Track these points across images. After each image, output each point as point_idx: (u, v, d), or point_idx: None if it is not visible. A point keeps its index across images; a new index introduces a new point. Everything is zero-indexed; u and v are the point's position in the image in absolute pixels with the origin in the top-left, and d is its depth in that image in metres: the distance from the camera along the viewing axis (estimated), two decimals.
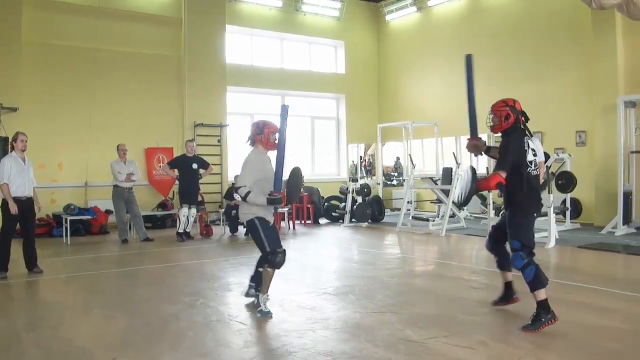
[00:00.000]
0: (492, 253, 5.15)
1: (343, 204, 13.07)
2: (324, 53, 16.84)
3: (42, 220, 11.14)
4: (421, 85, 15.85)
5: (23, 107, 11.45)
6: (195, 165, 10.46)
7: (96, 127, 12.45)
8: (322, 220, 13.59)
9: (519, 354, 3.84)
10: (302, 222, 13.05)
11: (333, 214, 13.52)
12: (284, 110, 5.36)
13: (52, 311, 5.34)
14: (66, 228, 10.50)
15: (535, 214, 4.66)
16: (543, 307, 4.39)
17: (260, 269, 5.17)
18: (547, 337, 4.22)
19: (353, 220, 12.74)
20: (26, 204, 7.10)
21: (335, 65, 16.97)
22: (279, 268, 5.02)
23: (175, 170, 10.50)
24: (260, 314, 4.94)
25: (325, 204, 13.80)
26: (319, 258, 8.63)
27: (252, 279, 5.45)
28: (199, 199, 11.31)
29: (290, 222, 12.36)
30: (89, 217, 11.27)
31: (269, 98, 15.90)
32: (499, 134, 4.92)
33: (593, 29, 11.29)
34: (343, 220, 12.85)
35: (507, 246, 4.76)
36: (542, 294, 4.42)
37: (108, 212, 11.63)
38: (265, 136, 5.25)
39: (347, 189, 12.87)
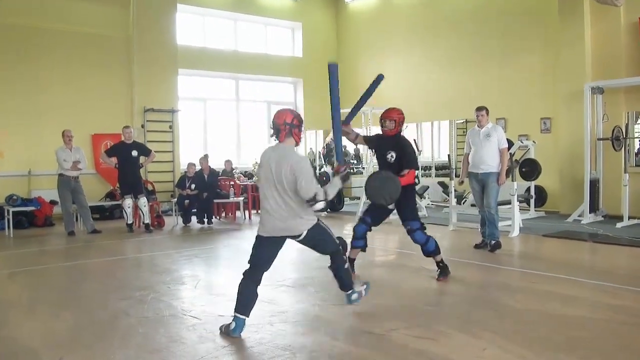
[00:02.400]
0: (361, 239, 6.11)
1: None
2: (281, 35, 16.73)
3: None
4: (381, 70, 15.75)
5: None
6: (135, 153, 10.25)
7: (39, 112, 12.10)
8: None
9: (482, 344, 3.92)
10: (259, 212, 12.97)
11: None
12: (333, 68, 5.26)
13: None
14: (8, 220, 10.20)
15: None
16: (444, 263, 5.99)
17: (338, 268, 4.84)
18: (512, 326, 4.31)
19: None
20: None
21: (293, 48, 16.88)
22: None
23: (114, 158, 10.27)
24: (361, 295, 4.82)
25: None
26: None
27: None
28: (150, 188, 11.15)
29: (246, 212, 12.29)
30: (32, 208, 11.00)
31: (222, 82, 15.73)
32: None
33: (560, 13, 11.44)
34: None
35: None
36: (439, 257, 5.94)
37: (53, 202, 11.33)
38: (299, 130, 4.60)
39: None
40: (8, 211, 10.28)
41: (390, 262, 7.30)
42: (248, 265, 4.47)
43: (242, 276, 4.41)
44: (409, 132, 14.47)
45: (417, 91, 14.67)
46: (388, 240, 9.32)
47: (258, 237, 4.51)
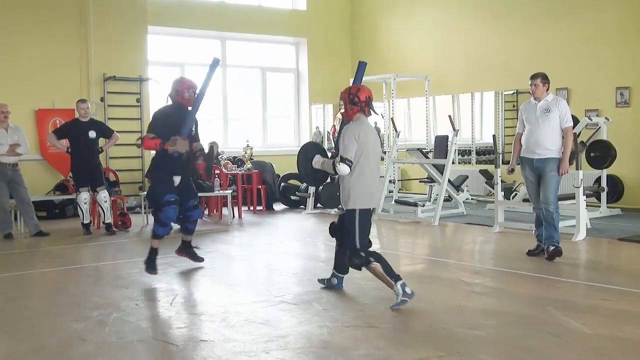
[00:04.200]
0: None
1: (304, 184, 13.05)
2: None
3: None
4: (407, 29, 15.86)
5: None
6: (92, 134, 10.20)
7: None
8: (278, 206, 13.59)
9: None
10: (251, 208, 12.99)
11: (292, 197, 13.54)
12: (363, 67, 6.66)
13: None
14: None
15: None
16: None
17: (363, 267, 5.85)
18: (578, 356, 4.28)
19: (318, 205, 12.77)
20: None
21: (294, 0, 16.83)
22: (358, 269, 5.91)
23: (66, 140, 10.24)
24: (406, 299, 5.49)
25: (282, 184, 13.78)
26: (273, 256, 8.61)
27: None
28: (113, 178, 11.14)
29: (235, 209, 12.29)
30: None
31: (205, 43, 15.71)
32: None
33: None
34: (305, 206, 12.85)
35: None
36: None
37: None
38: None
39: None
40: None
41: (420, 273, 7.28)
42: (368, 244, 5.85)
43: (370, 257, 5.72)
44: (442, 105, 14.44)
45: (453, 55, 14.58)
46: (416, 244, 9.28)
47: (368, 211, 5.93)
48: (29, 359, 4.45)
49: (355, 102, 5.88)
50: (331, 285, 6.28)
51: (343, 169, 5.80)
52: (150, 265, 6.98)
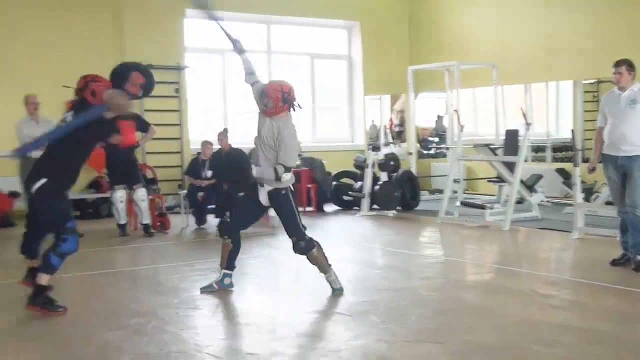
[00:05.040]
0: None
1: (359, 183, 13.05)
2: None
3: None
4: (472, 11, 15.69)
5: None
6: None
7: None
8: (329, 207, 13.60)
9: None
10: (300, 209, 12.97)
11: (345, 197, 13.53)
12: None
13: None
14: None
15: None
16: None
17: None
18: None
19: (374, 206, 12.75)
20: None
21: None
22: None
23: None
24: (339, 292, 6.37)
25: (334, 183, 13.79)
26: None
27: None
28: (150, 175, 11.27)
29: None
30: None
31: (249, 27, 15.77)
32: None
33: None
34: (359, 207, 12.85)
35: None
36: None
37: (14, 195, 11.62)
38: None
39: (365, 161, 12.85)
40: None
41: (488, 283, 7.24)
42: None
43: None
44: (512, 96, 14.27)
45: (524, 40, 14.37)
46: (483, 251, 9.21)
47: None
48: None
49: (287, 100, 6.52)
50: (224, 286, 6.62)
51: (288, 177, 6.38)
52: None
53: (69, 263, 8.60)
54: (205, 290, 6.60)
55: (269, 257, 8.82)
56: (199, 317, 5.91)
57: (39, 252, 6.26)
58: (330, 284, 6.47)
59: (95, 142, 6.40)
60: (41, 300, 5.82)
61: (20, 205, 11.22)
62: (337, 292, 6.44)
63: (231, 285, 6.65)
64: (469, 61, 14.47)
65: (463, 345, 4.90)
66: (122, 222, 10.42)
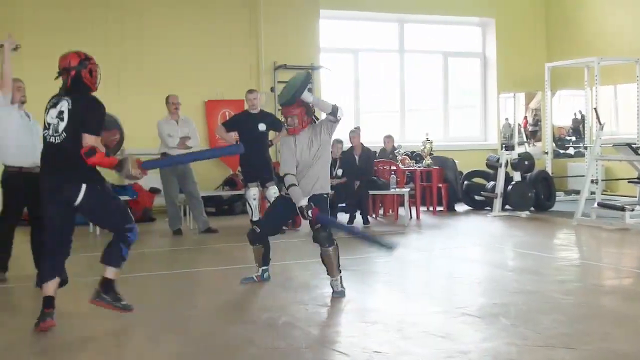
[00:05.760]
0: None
1: (492, 183, 12.85)
2: None
3: None
4: (613, 3, 15.13)
5: (26, 47, 12.02)
6: (262, 126, 10.46)
7: (136, 73, 12.93)
8: (460, 207, 13.46)
9: None
10: (430, 208, 12.96)
11: (476, 197, 13.38)
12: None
13: (74, 328, 5.60)
14: None
15: None
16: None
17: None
18: None
19: (507, 207, 12.52)
20: (34, 178, 6.57)
21: None
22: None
23: (235, 133, 10.61)
24: (340, 295, 6.37)
25: (465, 182, 13.65)
26: (454, 262, 8.54)
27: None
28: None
29: (413, 209, 12.30)
30: (127, 198, 11.65)
31: (381, 26, 15.82)
32: None
33: None
34: (491, 207, 12.65)
35: None
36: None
37: (154, 191, 12.09)
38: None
39: (499, 160, 12.63)
40: None
41: (626, 288, 6.99)
42: None
43: None
44: None
45: None
46: (623, 255, 8.88)
47: None
48: None
49: (310, 114, 6.60)
50: (263, 278, 7.02)
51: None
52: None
53: (203, 258, 8.92)
54: (246, 281, 6.99)
55: (398, 256, 8.77)
56: (328, 314, 5.97)
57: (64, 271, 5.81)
58: (333, 287, 6.51)
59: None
60: (111, 296, 5.53)
61: (160, 201, 11.69)
62: (337, 294, 6.45)
63: (269, 277, 7.06)
64: (610, 57, 13.94)
65: (597, 353, 4.72)
66: (255, 218, 10.61)
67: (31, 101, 7.46)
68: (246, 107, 10.78)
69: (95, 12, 12.87)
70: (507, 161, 12.52)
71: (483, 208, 13.15)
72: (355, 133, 11.79)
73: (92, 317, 5.85)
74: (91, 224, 10.92)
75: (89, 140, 5.25)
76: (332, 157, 11.53)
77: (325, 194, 6.78)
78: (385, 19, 15.65)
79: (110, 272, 5.49)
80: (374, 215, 12.34)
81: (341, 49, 15.30)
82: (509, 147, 12.93)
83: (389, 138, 13.19)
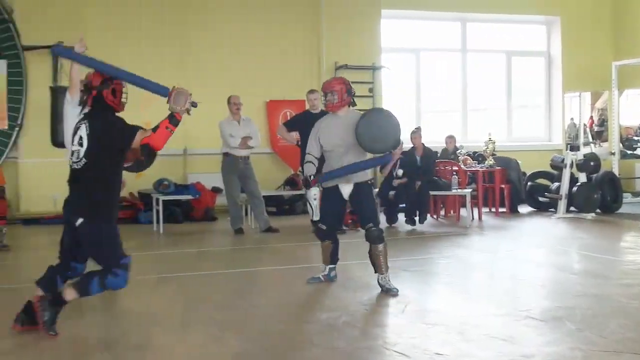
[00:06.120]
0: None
1: (556, 184, 12.67)
2: None
3: (124, 201, 11.87)
4: None
5: (91, 47, 12.25)
6: None
7: (198, 73, 13.05)
8: (523, 208, 13.30)
9: None
10: (492, 209, 12.82)
11: (540, 198, 13.23)
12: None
13: (137, 324, 5.70)
14: (158, 212, 11.13)
15: None
16: None
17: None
18: None
19: (572, 208, 12.33)
20: None
21: None
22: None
23: (296, 133, 10.64)
24: (392, 292, 6.42)
25: (528, 183, 13.50)
26: (517, 264, 8.43)
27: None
28: None
29: (475, 210, 12.19)
30: (189, 197, 11.84)
31: (443, 26, 15.74)
32: None
33: None
34: (555, 209, 12.47)
35: None
36: None
37: (216, 190, 12.21)
38: None
39: (563, 161, 12.45)
40: (157, 200, 11.20)
41: None
42: None
43: None
44: None
45: None
46: None
47: None
48: (259, 358, 4.75)
49: (350, 93, 6.79)
50: (330, 278, 7.02)
51: None
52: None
53: (264, 257, 8.98)
54: (313, 281, 7.00)
55: (460, 257, 8.73)
56: (388, 314, 5.94)
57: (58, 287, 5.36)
58: (384, 285, 6.56)
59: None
60: (51, 316, 5.11)
61: (222, 200, 11.81)
62: (389, 292, 6.48)
63: (335, 277, 7.05)
64: None
65: None
66: (316, 218, 10.62)
67: None
68: (307, 107, 10.84)
69: (158, 12, 13.08)
70: (572, 162, 12.36)
71: (547, 210, 12.97)
72: (416, 134, 11.72)
73: (151, 314, 5.95)
74: (154, 223, 11.15)
75: (137, 140, 5.18)
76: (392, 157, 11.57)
77: (369, 180, 6.91)
78: (447, 18, 15.57)
79: (69, 294, 5.15)
80: (435, 216, 12.27)
81: (403, 49, 15.26)
82: (574, 148, 12.73)
83: (450, 138, 13.13)
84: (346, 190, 6.71)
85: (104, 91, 5.31)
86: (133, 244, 9.65)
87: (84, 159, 5.14)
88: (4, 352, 4.88)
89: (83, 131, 5.21)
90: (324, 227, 6.94)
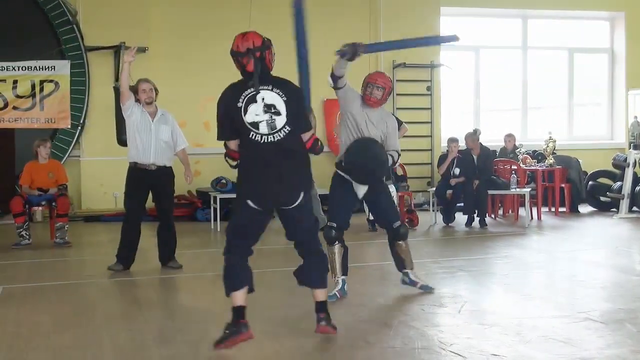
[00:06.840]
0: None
1: (618, 183, 12.47)
2: None
3: (182, 199, 12.06)
4: None
5: (154, 47, 12.48)
6: None
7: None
8: (584, 208, 13.14)
9: None
10: (552, 209, 12.67)
11: (601, 198, 13.06)
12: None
13: (193, 321, 5.78)
14: (215, 209, 11.29)
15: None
16: None
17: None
18: None
19: (634, 208, 12.14)
20: (154, 176, 7.65)
21: None
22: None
23: None
24: (424, 289, 6.48)
25: (590, 183, 13.33)
26: (576, 265, 8.35)
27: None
28: (400, 172, 11.45)
29: (534, 209, 12.07)
30: None
31: (503, 22, 15.61)
32: None
33: None
34: (617, 209, 12.28)
35: None
36: None
37: None
38: None
39: (626, 160, 12.26)
40: (215, 198, 11.34)
41: None
42: None
43: None
44: None
45: None
46: None
47: None
48: (314, 357, 4.83)
49: (388, 96, 6.87)
50: (344, 292, 6.42)
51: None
52: None
53: None
54: (330, 300, 5.79)
55: (517, 258, 8.66)
56: (444, 315, 5.93)
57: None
58: (414, 280, 6.58)
59: None
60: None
61: None
62: (423, 288, 6.54)
63: (347, 290, 6.42)
64: None
65: None
66: (371, 218, 10.68)
67: (160, 102, 7.86)
68: None
69: (222, 11, 13.23)
70: (635, 161, 12.19)
71: (609, 210, 12.79)
72: (472, 137, 11.52)
73: (208, 311, 6.04)
74: (212, 221, 11.33)
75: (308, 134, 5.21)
76: (449, 156, 11.51)
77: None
78: (507, 15, 15.43)
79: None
80: (493, 216, 12.17)
81: (462, 47, 15.12)
82: (638, 147, 12.51)
83: (509, 137, 13.00)
84: (361, 190, 6.46)
85: (266, 51, 5.16)
86: (192, 241, 9.82)
87: (286, 127, 4.92)
88: (65, 346, 5.02)
89: (274, 98, 4.99)
90: (334, 225, 6.41)
